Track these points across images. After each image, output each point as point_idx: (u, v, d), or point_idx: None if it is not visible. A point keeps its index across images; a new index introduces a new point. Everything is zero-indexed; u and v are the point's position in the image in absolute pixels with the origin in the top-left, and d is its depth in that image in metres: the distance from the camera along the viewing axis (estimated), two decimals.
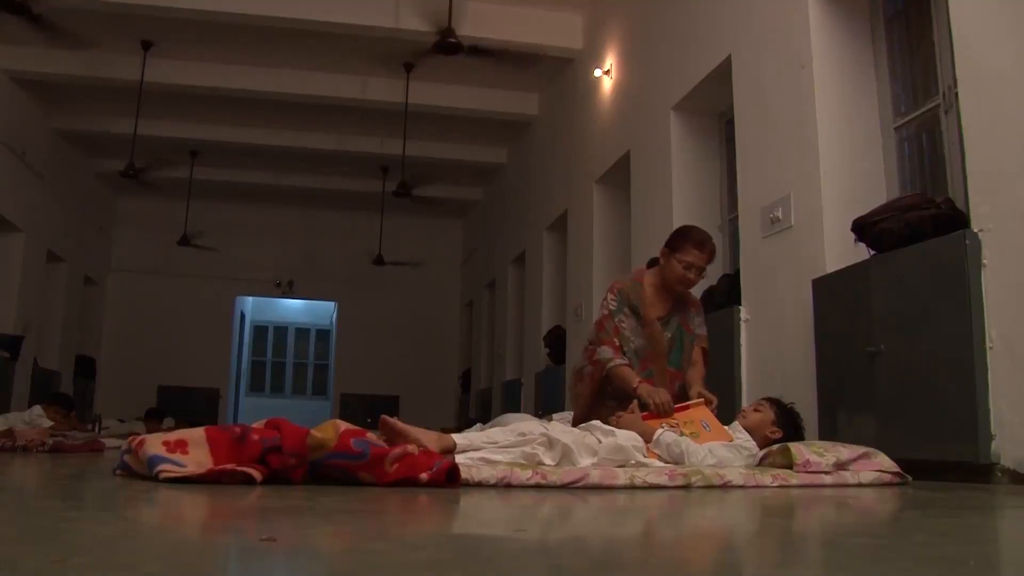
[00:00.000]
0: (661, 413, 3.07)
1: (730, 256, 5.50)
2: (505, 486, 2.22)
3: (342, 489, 2.10)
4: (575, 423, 3.15)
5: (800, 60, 4.20)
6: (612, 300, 3.49)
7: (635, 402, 3.13)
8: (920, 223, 3.28)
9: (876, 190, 4.00)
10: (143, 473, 2.12)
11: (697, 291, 5.28)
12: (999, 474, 2.83)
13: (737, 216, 4.96)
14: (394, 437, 2.39)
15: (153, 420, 9.83)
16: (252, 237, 13.61)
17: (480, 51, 7.15)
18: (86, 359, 12.34)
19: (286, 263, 13.86)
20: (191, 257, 12.67)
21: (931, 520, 1.72)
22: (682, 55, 5.73)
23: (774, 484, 2.51)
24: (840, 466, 2.68)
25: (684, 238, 3.44)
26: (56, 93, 9.61)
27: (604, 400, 3.41)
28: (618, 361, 3.35)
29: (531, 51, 7.75)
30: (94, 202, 12.39)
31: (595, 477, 2.35)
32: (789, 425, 3.08)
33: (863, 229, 3.55)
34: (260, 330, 16.49)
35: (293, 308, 16.29)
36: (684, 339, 3.54)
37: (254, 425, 2.22)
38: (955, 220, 3.22)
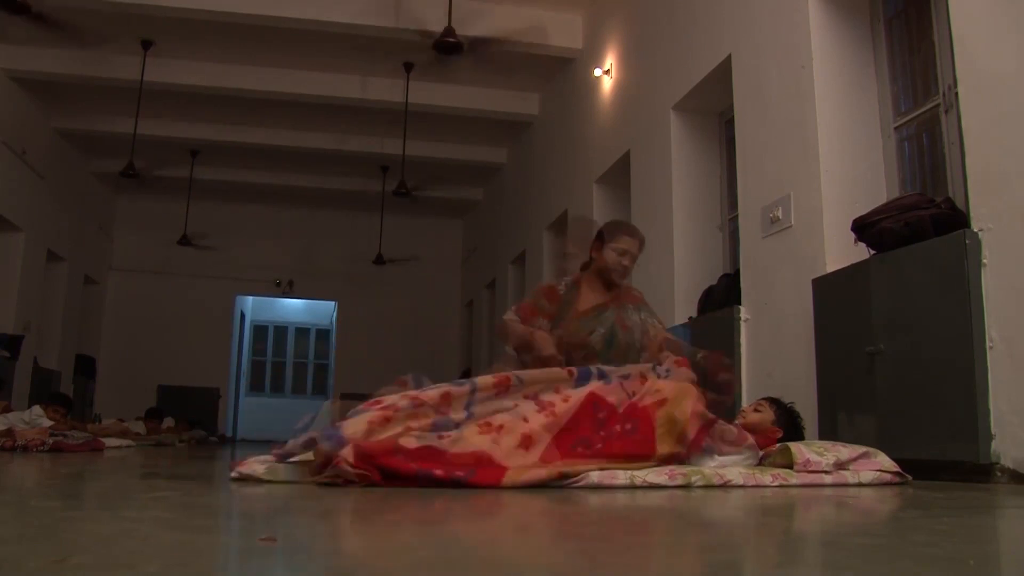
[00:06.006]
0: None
1: (730, 256, 5.50)
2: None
3: (342, 489, 2.10)
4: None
5: (800, 60, 4.20)
6: (546, 284, 3.57)
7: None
8: (920, 223, 3.28)
9: (876, 190, 4.00)
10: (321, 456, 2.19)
11: (696, 290, 5.33)
12: (999, 474, 2.83)
13: (737, 216, 4.96)
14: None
15: (153, 420, 9.85)
16: (252, 237, 13.61)
17: (480, 47, 7.14)
18: (86, 359, 12.34)
19: (286, 263, 13.86)
20: (191, 257, 12.69)
21: (931, 520, 1.72)
22: (682, 55, 5.73)
23: (774, 484, 2.51)
24: (840, 466, 2.68)
25: (616, 228, 3.53)
26: (56, 93, 9.62)
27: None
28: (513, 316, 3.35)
29: (531, 51, 7.75)
30: (94, 202, 12.39)
31: (595, 477, 2.35)
32: (789, 425, 3.07)
33: (863, 229, 3.55)
34: (260, 330, 16.49)
35: (293, 308, 16.30)
36: (617, 335, 3.39)
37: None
38: (955, 220, 3.22)
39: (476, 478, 2.21)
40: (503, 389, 2.46)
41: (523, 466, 2.31)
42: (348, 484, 2.12)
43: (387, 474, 2.15)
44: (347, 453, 2.12)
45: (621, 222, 3.68)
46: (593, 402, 2.58)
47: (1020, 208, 2.85)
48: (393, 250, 12.35)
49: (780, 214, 4.29)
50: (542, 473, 2.30)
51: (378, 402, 2.39)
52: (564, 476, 2.32)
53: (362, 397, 2.47)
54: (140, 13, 7.49)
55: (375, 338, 13.60)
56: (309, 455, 2.58)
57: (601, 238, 3.49)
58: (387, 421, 2.25)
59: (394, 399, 2.33)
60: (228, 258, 13.30)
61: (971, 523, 1.73)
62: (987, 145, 3.02)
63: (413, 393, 2.37)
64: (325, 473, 2.14)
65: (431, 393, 2.37)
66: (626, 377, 2.75)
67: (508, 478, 2.24)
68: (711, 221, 5.66)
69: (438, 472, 2.17)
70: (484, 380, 2.46)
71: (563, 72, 8.55)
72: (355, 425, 2.20)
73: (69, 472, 3.13)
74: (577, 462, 2.39)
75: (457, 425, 2.37)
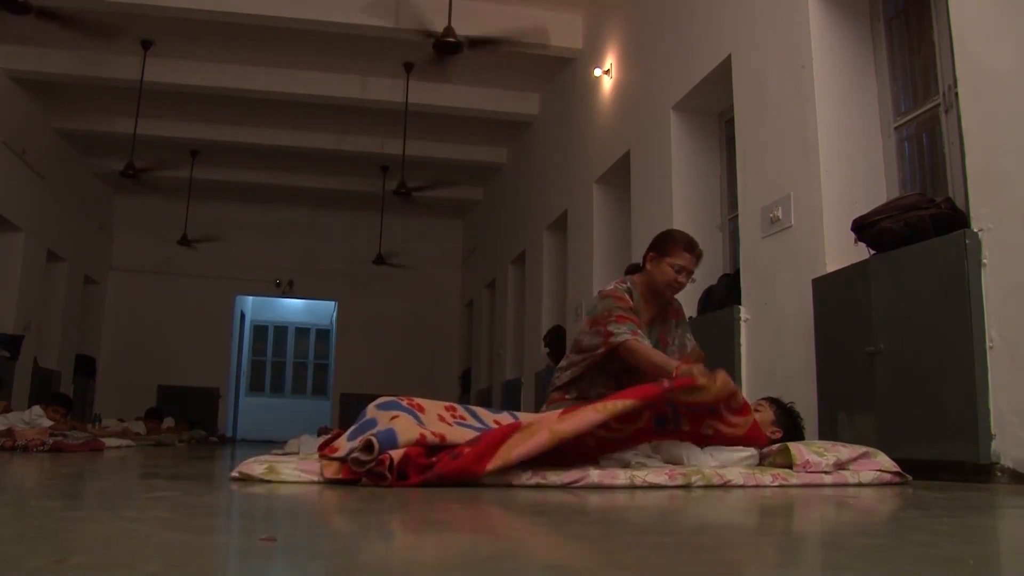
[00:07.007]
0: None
1: (730, 256, 5.50)
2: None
3: (341, 489, 2.10)
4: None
5: (800, 60, 4.20)
6: (619, 290, 3.28)
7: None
8: (920, 223, 3.28)
9: (876, 190, 4.00)
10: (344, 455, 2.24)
11: (697, 290, 5.32)
12: (999, 474, 2.83)
13: (737, 216, 4.96)
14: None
15: (153, 420, 9.86)
16: (252, 237, 13.61)
17: (480, 47, 7.14)
18: (86, 359, 12.35)
19: (286, 263, 13.87)
20: (191, 257, 12.69)
21: (931, 520, 1.72)
22: (682, 55, 5.73)
23: (774, 484, 2.51)
24: (840, 466, 2.68)
25: (673, 241, 3.32)
26: (56, 93, 9.62)
27: (595, 384, 3.24)
28: (634, 337, 3.05)
29: (531, 51, 7.75)
30: (94, 202, 12.40)
31: (595, 477, 2.35)
32: (789, 425, 3.07)
33: (863, 229, 3.55)
34: (260, 330, 16.50)
35: (293, 308, 16.30)
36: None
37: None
38: (955, 220, 3.22)
39: (481, 442, 2.22)
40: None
41: (526, 434, 2.27)
42: (375, 481, 2.15)
43: (401, 475, 2.18)
44: (396, 455, 2.15)
45: (681, 235, 3.39)
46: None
47: (1020, 208, 2.85)
48: (393, 250, 12.35)
49: (780, 214, 4.29)
50: (543, 438, 2.24)
51: (420, 407, 2.43)
52: (560, 437, 2.28)
53: (362, 397, 2.48)
54: (140, 13, 7.49)
55: (375, 338, 13.61)
56: (315, 455, 2.59)
57: (657, 249, 3.32)
58: (441, 441, 2.28)
59: (447, 431, 2.35)
60: (228, 258, 13.30)
61: (971, 523, 1.73)
62: (987, 145, 3.02)
63: (464, 433, 2.39)
64: (366, 466, 2.16)
65: (476, 437, 2.38)
66: None
67: (504, 451, 2.20)
68: (711, 221, 5.66)
69: (447, 468, 2.19)
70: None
71: (563, 72, 8.55)
72: (408, 434, 2.22)
73: (69, 472, 3.13)
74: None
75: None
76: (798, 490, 2.44)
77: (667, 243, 3.32)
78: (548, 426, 2.27)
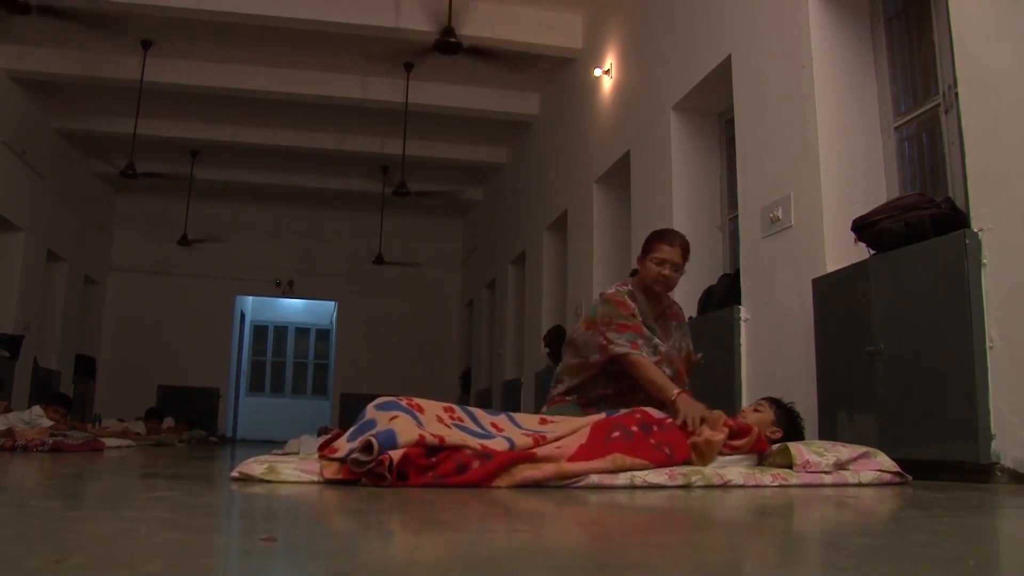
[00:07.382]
0: (692, 430, 2.76)
1: (730, 256, 5.50)
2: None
3: (341, 489, 2.10)
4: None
5: (800, 60, 4.20)
6: (620, 293, 3.27)
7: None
8: (920, 223, 3.28)
9: (876, 190, 4.00)
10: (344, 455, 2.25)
11: (697, 290, 5.32)
12: (999, 474, 2.83)
13: (737, 216, 4.96)
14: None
15: (153, 420, 9.86)
16: (252, 237, 13.61)
17: (480, 52, 7.15)
18: (86, 359, 12.35)
19: (286, 263, 13.86)
20: (191, 257, 12.69)
21: (931, 520, 1.72)
22: (682, 55, 5.73)
23: (774, 484, 2.51)
24: (840, 466, 2.68)
25: (653, 238, 3.36)
26: (56, 93, 9.62)
27: (597, 390, 3.24)
28: (636, 352, 3.07)
29: (531, 51, 7.75)
30: (94, 202, 12.39)
31: (595, 477, 2.35)
32: (789, 425, 3.07)
33: (863, 229, 3.55)
34: (260, 330, 16.49)
35: (293, 308, 16.30)
36: (658, 348, 3.27)
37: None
38: (955, 220, 3.22)
39: (491, 462, 2.25)
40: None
41: (532, 462, 2.33)
42: (375, 482, 2.15)
43: (401, 476, 2.17)
44: (396, 455, 2.15)
45: (662, 231, 3.42)
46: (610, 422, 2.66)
47: (1020, 208, 2.85)
48: (393, 250, 12.35)
49: (780, 214, 4.29)
50: (549, 471, 2.31)
51: (419, 407, 2.43)
52: (566, 475, 2.33)
53: (362, 397, 2.48)
54: (140, 13, 7.49)
55: (375, 338, 13.60)
56: (315, 455, 2.59)
57: (642, 249, 3.36)
58: (440, 443, 2.29)
59: (446, 433, 2.35)
60: (228, 258, 13.30)
61: (971, 523, 1.73)
62: (987, 145, 3.02)
63: (463, 436, 2.39)
64: (366, 467, 2.16)
65: (473, 442, 2.38)
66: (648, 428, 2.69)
67: (509, 477, 2.24)
68: (711, 221, 5.66)
69: (452, 480, 2.19)
70: (524, 441, 2.47)
71: (563, 72, 8.55)
72: (408, 434, 2.23)
73: (69, 472, 3.13)
74: (608, 456, 2.43)
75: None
76: (798, 490, 2.44)
77: (647, 241, 3.38)
78: (557, 463, 2.36)
